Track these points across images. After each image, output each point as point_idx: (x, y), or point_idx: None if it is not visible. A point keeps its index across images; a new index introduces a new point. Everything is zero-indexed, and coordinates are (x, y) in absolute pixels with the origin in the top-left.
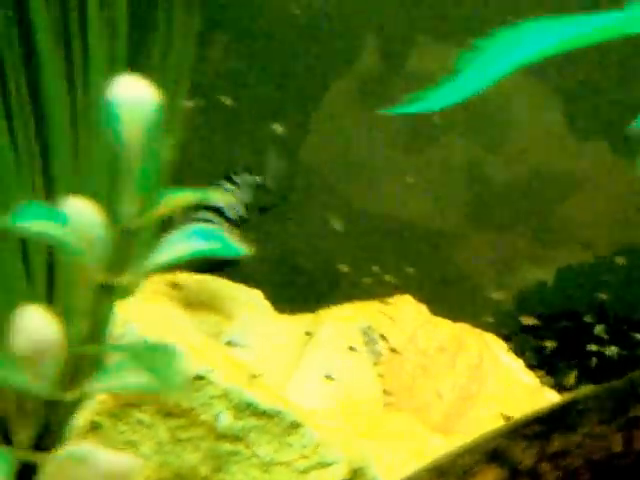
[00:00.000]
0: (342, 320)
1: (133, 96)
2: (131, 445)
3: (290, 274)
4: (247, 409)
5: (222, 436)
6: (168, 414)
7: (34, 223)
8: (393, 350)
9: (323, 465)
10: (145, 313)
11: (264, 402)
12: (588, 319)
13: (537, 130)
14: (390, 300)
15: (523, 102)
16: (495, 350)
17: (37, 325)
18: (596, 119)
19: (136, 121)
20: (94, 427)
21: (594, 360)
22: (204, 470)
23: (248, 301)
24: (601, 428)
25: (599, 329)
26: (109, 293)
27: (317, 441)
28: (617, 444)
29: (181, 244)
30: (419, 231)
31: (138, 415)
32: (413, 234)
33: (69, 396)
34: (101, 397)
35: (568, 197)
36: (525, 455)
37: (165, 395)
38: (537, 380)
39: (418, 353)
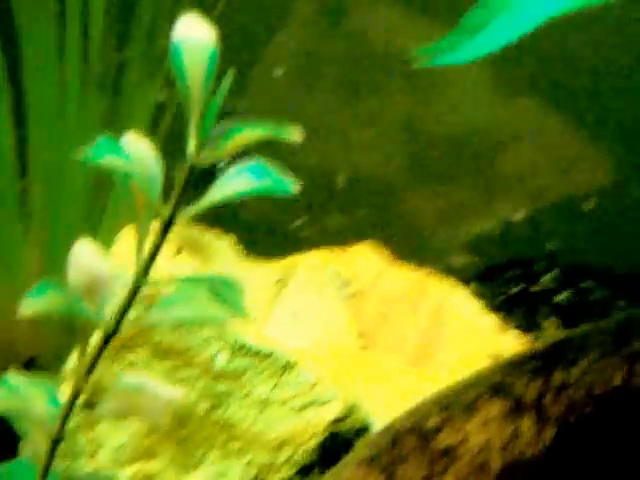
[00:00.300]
0: (310, 267)
1: (194, 36)
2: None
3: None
4: (241, 350)
5: (218, 376)
6: (162, 356)
7: (108, 157)
8: (357, 295)
9: (319, 403)
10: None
11: (258, 343)
12: (539, 267)
13: (468, 85)
14: (352, 248)
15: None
16: (455, 295)
17: (92, 259)
18: (524, 74)
19: (197, 60)
20: (88, 369)
21: (547, 306)
22: (201, 408)
23: (222, 247)
24: (601, 363)
25: (550, 276)
26: (169, 228)
27: (313, 380)
28: (617, 378)
29: (236, 181)
30: (366, 184)
31: (131, 357)
32: (361, 187)
33: (130, 327)
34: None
35: (505, 150)
36: (528, 389)
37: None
38: (499, 323)
39: (380, 299)
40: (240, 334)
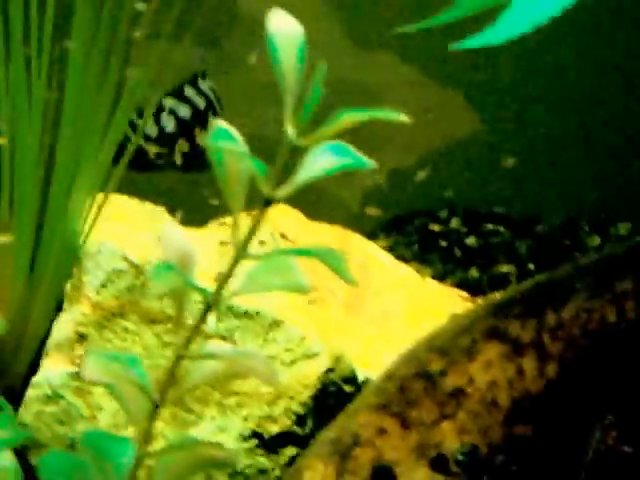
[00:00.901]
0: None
1: (285, 28)
2: (120, 351)
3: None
4: (230, 311)
5: (209, 337)
6: (152, 321)
7: (224, 142)
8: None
9: (308, 356)
10: (111, 231)
11: (243, 304)
12: (442, 215)
13: (324, 43)
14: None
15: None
16: (368, 248)
17: (181, 239)
18: (378, 30)
19: (290, 50)
20: (80, 337)
21: (457, 251)
22: None
23: (158, 217)
24: (592, 302)
25: (455, 222)
26: (268, 205)
27: (300, 335)
28: (611, 315)
29: (322, 160)
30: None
31: (123, 323)
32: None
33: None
34: (83, 309)
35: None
36: (524, 331)
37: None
38: (415, 272)
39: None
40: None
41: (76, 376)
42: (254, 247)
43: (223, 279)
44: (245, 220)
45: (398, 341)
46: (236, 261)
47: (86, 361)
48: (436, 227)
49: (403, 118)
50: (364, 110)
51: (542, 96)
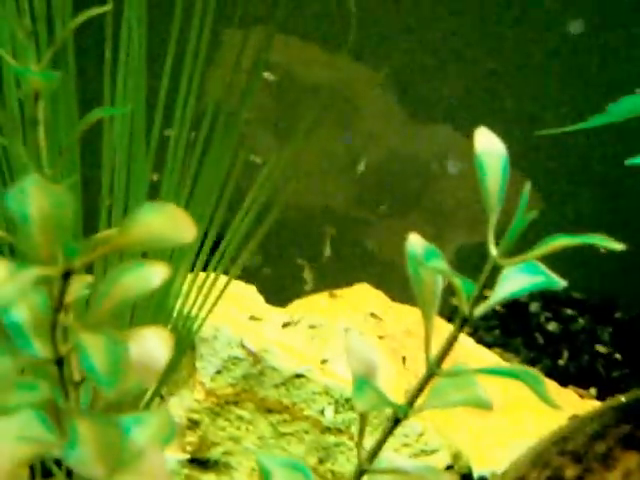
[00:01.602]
0: (322, 313)
1: (490, 147)
2: (233, 440)
3: None
4: (347, 403)
5: (326, 429)
6: (268, 410)
7: (432, 261)
8: (383, 335)
9: (427, 452)
10: (224, 315)
11: None
12: (521, 298)
13: (381, 115)
14: (351, 289)
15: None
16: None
17: (367, 349)
18: (433, 104)
19: (495, 169)
20: (193, 424)
21: (539, 337)
22: (310, 461)
23: (253, 297)
24: None
25: (534, 307)
26: (465, 323)
27: (420, 430)
28: None
29: (516, 279)
30: (323, 221)
31: (238, 411)
32: (318, 224)
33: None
34: (197, 395)
35: (434, 178)
36: None
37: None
38: (497, 356)
39: (387, 338)
40: (345, 388)
41: (187, 463)
42: (352, 327)
43: (414, 393)
44: (327, 300)
45: (505, 435)
46: (428, 377)
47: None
48: (516, 311)
49: (617, 246)
50: (575, 236)
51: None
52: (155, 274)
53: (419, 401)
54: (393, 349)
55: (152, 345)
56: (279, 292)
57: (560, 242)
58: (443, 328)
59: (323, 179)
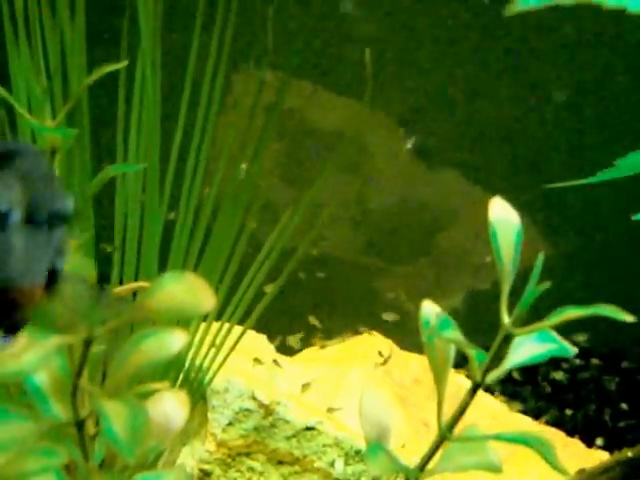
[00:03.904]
0: (328, 362)
1: (505, 216)
2: None
3: None
4: (357, 455)
5: None
6: (279, 462)
7: (446, 331)
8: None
9: None
10: (236, 367)
11: None
12: None
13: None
14: (359, 338)
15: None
16: (457, 379)
17: (380, 410)
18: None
19: (509, 238)
20: (205, 475)
21: (547, 386)
22: None
23: (267, 348)
24: None
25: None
26: (475, 391)
27: None
28: None
29: (528, 347)
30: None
31: (249, 462)
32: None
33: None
34: (209, 447)
35: (442, 224)
36: None
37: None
38: (504, 405)
39: (395, 386)
40: (355, 440)
41: None
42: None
43: (427, 457)
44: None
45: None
46: (441, 442)
47: None
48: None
49: (628, 318)
50: (587, 307)
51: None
52: (175, 341)
53: (430, 464)
54: (401, 397)
55: (170, 407)
56: (288, 341)
57: (572, 313)
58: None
59: (332, 225)
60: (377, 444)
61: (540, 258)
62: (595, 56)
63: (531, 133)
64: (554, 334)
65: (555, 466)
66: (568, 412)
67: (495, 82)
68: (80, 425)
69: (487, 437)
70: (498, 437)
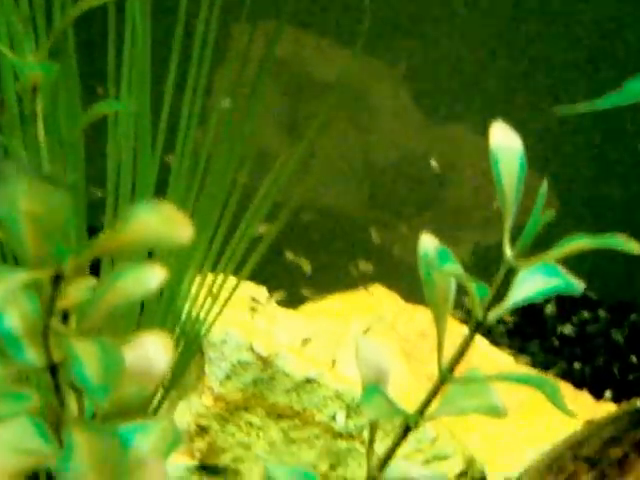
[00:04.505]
0: (330, 315)
1: (507, 143)
2: (243, 446)
3: None
4: (359, 408)
5: (337, 435)
6: (279, 416)
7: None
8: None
9: (440, 458)
10: (233, 318)
11: None
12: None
13: (396, 113)
14: (365, 291)
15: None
16: (464, 333)
17: (377, 354)
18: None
19: (511, 167)
20: (201, 430)
21: (555, 340)
22: (322, 467)
23: (266, 299)
24: None
25: (550, 309)
26: (477, 329)
27: (433, 435)
28: None
29: (532, 282)
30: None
31: (247, 417)
32: (331, 225)
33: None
34: (206, 401)
35: (448, 177)
36: None
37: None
38: (511, 358)
39: (400, 340)
40: (357, 392)
41: (195, 470)
42: (360, 334)
43: (426, 401)
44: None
45: (519, 439)
46: (440, 384)
47: None
48: (530, 314)
49: (637, 248)
50: (594, 237)
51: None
52: (153, 277)
53: (432, 407)
54: (407, 352)
55: (152, 351)
56: (291, 294)
57: (579, 244)
58: (456, 330)
59: (336, 179)
60: (374, 387)
61: (544, 186)
62: None
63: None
64: (560, 268)
65: (563, 409)
66: (577, 365)
67: (504, 33)
68: (53, 370)
69: (489, 378)
70: (502, 378)
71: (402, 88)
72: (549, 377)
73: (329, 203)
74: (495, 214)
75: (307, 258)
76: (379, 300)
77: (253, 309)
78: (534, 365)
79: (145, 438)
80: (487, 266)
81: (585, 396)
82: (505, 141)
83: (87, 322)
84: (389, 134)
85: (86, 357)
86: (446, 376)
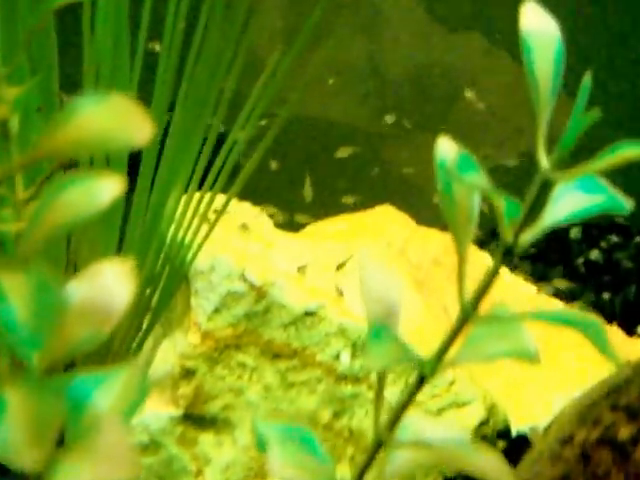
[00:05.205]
0: (334, 239)
1: (541, 28)
2: (234, 392)
3: None
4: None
5: (342, 377)
6: (275, 355)
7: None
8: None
9: (458, 405)
10: (223, 242)
11: None
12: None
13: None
14: (372, 211)
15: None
16: (483, 260)
17: (385, 285)
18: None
19: (547, 55)
20: (187, 373)
21: (581, 266)
22: (324, 416)
23: (260, 221)
24: None
25: (574, 233)
26: (507, 255)
27: (450, 378)
28: None
29: (569, 199)
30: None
31: (239, 357)
32: (335, 140)
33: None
34: (191, 339)
35: (463, 90)
36: None
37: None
38: (534, 288)
39: (412, 268)
40: (363, 328)
41: (181, 420)
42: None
43: (445, 345)
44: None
45: (547, 385)
46: (461, 324)
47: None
48: (554, 238)
49: None
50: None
51: None
52: (105, 187)
53: (451, 350)
54: (419, 281)
55: (111, 282)
56: (290, 215)
57: (630, 152)
58: (474, 256)
59: (341, 89)
60: (381, 327)
61: (587, 79)
62: None
63: None
64: (604, 182)
65: (607, 352)
66: (605, 296)
67: None
68: None
69: (521, 317)
70: (535, 316)
71: None
72: (591, 315)
73: (331, 116)
74: (513, 132)
75: (307, 177)
76: (388, 223)
77: (244, 227)
78: (558, 295)
79: (105, 393)
80: (507, 187)
81: (616, 331)
82: (539, 25)
83: (22, 248)
84: (399, 42)
85: (14, 293)
86: (469, 314)
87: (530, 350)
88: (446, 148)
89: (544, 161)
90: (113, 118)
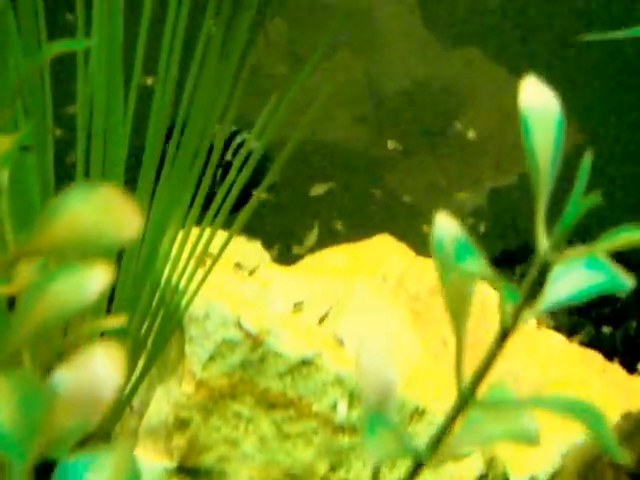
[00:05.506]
0: (330, 272)
1: (541, 103)
2: (229, 443)
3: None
4: None
5: (339, 428)
6: (271, 405)
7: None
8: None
9: (457, 458)
10: (219, 283)
11: None
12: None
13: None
14: (370, 242)
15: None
16: (482, 288)
17: (381, 366)
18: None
19: (545, 132)
20: (181, 424)
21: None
22: (321, 468)
23: (257, 256)
24: None
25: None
26: (504, 339)
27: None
28: None
29: (572, 277)
30: (338, 158)
31: (235, 407)
32: (332, 162)
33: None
34: (187, 388)
35: (461, 109)
36: None
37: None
38: (534, 321)
39: (409, 300)
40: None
41: (174, 472)
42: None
43: (445, 426)
44: (342, 257)
45: (545, 428)
46: (460, 407)
47: None
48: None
49: None
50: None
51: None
52: (93, 279)
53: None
54: (417, 312)
55: (98, 371)
56: (286, 245)
57: (631, 236)
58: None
59: (339, 110)
60: (377, 415)
61: (587, 158)
62: None
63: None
64: (606, 261)
65: (614, 452)
66: (606, 330)
67: None
68: None
69: (520, 404)
70: (533, 403)
71: (412, 11)
72: (595, 408)
73: (329, 138)
74: (511, 150)
75: (303, 204)
76: (386, 253)
77: (239, 266)
78: (558, 329)
79: (97, 476)
80: (503, 210)
81: (616, 368)
82: (539, 101)
83: (7, 347)
84: (398, 61)
85: (2, 400)
86: (467, 399)
87: (530, 433)
88: (444, 226)
89: (543, 242)
90: (101, 214)
